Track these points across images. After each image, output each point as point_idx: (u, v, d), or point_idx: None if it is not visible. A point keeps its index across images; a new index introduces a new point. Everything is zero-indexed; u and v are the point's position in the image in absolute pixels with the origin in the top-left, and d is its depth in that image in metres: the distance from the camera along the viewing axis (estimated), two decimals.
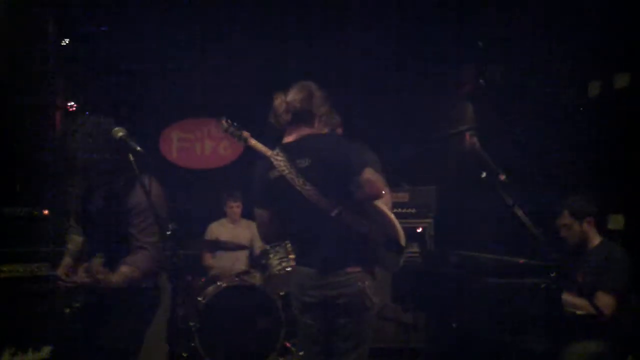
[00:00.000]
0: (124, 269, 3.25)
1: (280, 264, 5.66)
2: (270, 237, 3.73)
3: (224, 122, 3.86)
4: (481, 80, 6.44)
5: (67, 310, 3.46)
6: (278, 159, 3.37)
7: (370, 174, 3.30)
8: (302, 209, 3.30)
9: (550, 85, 5.62)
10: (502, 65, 6.23)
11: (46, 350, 4.28)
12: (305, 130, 3.46)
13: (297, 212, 3.35)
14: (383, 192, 3.36)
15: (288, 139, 3.47)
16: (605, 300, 3.78)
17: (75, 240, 3.61)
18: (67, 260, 3.55)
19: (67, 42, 6.26)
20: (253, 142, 3.83)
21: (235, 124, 3.78)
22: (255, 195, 3.52)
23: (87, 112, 3.59)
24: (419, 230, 5.89)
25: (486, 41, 6.29)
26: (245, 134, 3.82)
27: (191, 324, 5.37)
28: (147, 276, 3.33)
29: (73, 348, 3.46)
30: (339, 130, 4.22)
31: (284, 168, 3.33)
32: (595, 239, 4.10)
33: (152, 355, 3.58)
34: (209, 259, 6.51)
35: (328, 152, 3.36)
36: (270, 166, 3.39)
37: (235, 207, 6.58)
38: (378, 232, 3.36)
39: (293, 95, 3.44)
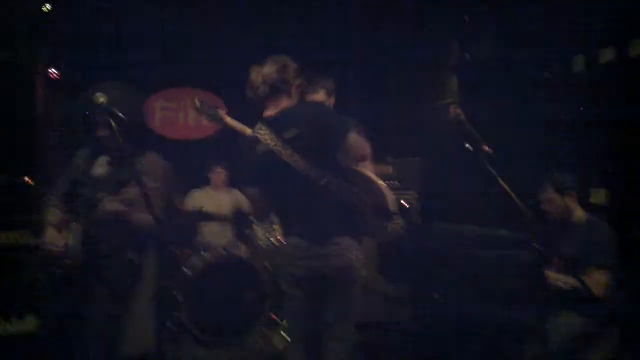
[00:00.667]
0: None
1: (264, 235, 5.66)
2: (262, 212, 3.71)
3: (196, 101, 3.84)
4: (466, 54, 6.44)
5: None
6: (262, 133, 3.34)
7: (354, 138, 3.32)
8: (291, 181, 3.30)
9: (534, 60, 5.63)
10: (487, 39, 6.23)
11: (31, 321, 4.30)
12: (284, 102, 3.44)
13: (286, 185, 3.34)
14: (368, 153, 3.38)
15: (269, 112, 3.44)
16: (596, 277, 3.79)
17: (56, 213, 3.57)
18: (51, 231, 3.51)
19: (48, 7, 6.14)
20: (229, 120, 3.81)
21: (207, 103, 3.75)
22: (244, 173, 3.51)
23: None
24: (403, 202, 5.91)
25: (471, 15, 6.28)
26: (221, 112, 3.79)
27: (176, 295, 5.37)
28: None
29: (57, 318, 3.45)
30: (330, 100, 4.22)
31: (270, 141, 3.30)
32: (579, 214, 4.11)
33: (137, 326, 3.57)
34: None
35: (312, 120, 3.34)
36: (256, 141, 3.37)
37: (219, 172, 6.53)
38: (367, 199, 3.37)
39: (268, 68, 3.41)
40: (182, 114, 7.87)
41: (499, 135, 4.69)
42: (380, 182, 3.51)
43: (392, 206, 3.46)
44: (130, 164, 3.33)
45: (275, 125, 3.35)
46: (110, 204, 3.35)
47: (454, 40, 6.54)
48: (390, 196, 3.48)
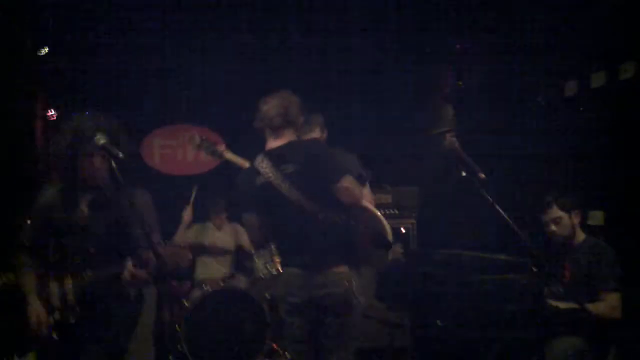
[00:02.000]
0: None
1: (265, 267, 5.68)
2: (259, 241, 3.76)
3: (196, 138, 3.90)
4: (459, 82, 6.52)
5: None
6: (263, 165, 3.41)
7: (348, 182, 3.37)
8: (289, 212, 3.35)
9: (527, 85, 5.70)
10: (481, 67, 6.31)
11: (31, 356, 4.29)
12: (289, 136, 3.51)
13: (283, 216, 3.39)
14: (360, 200, 3.42)
15: (271, 145, 3.51)
16: (612, 301, 3.80)
17: (30, 278, 3.34)
18: (34, 306, 3.27)
19: (45, 51, 6.23)
20: (229, 155, 3.88)
21: (207, 140, 3.81)
22: (242, 201, 3.56)
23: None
24: (403, 230, 5.96)
25: (465, 43, 6.36)
26: (221, 148, 3.86)
27: (177, 328, 5.38)
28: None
29: (57, 355, 3.43)
30: (323, 135, 4.28)
31: (270, 174, 3.37)
32: (580, 235, 4.12)
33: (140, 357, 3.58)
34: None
35: (311, 158, 3.42)
36: (256, 173, 3.43)
37: (218, 220, 6.55)
38: (365, 230, 3.42)
39: (278, 102, 3.49)
40: (180, 151, 7.92)
41: (496, 161, 4.76)
42: (378, 213, 3.56)
43: (390, 236, 3.51)
44: (116, 204, 3.23)
45: (276, 159, 3.41)
46: (129, 271, 3.13)
47: (448, 68, 6.62)
48: (388, 226, 3.53)
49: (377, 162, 3.44)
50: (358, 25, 6.54)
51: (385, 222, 3.53)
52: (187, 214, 6.15)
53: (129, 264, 3.12)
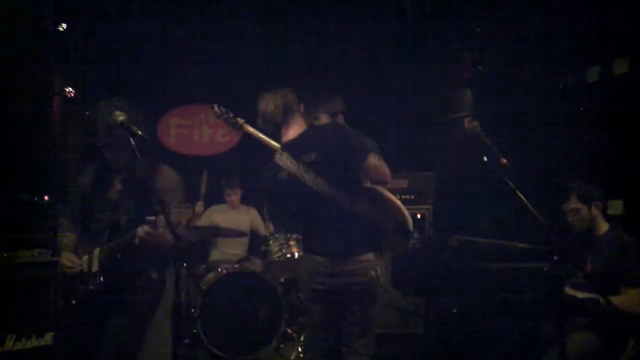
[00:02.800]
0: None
1: (280, 250, 5.67)
2: (283, 224, 3.73)
3: (216, 108, 3.88)
4: (478, 67, 6.45)
5: (73, 301, 3.44)
6: (283, 159, 3.39)
7: (374, 160, 3.34)
8: (314, 202, 3.34)
9: (548, 71, 5.62)
10: (500, 51, 6.23)
11: (48, 336, 4.30)
12: (299, 126, 3.49)
13: (309, 206, 3.39)
14: (389, 176, 3.39)
15: (287, 137, 3.49)
16: (633, 295, 3.73)
17: (69, 237, 3.58)
18: (67, 253, 3.51)
19: (64, 27, 6.22)
20: (250, 129, 3.85)
21: (228, 110, 3.80)
22: (267, 197, 3.56)
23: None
24: (418, 216, 5.92)
25: (484, 27, 6.28)
26: (241, 120, 3.84)
27: (192, 310, 5.39)
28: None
29: (76, 334, 3.46)
30: (341, 117, 4.24)
31: (291, 167, 3.34)
32: (603, 225, 4.04)
33: (155, 341, 3.58)
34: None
35: (331, 142, 3.39)
36: (277, 168, 3.41)
37: (233, 196, 6.57)
38: (387, 219, 3.39)
39: (273, 96, 3.53)
40: (197, 131, 7.91)
41: (515, 147, 4.70)
42: (398, 201, 3.53)
43: (410, 225, 3.48)
44: (144, 182, 3.34)
45: (295, 149, 3.39)
46: (142, 230, 3.28)
47: (466, 53, 6.54)
48: (408, 215, 3.50)
49: (394, 147, 3.40)
50: (375, 10, 6.48)
51: (405, 210, 3.50)
52: (199, 207, 6.14)
53: (143, 226, 3.26)
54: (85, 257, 3.45)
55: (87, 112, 3.82)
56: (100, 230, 3.45)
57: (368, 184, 3.45)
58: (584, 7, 5.14)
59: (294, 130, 3.50)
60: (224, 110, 3.91)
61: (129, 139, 3.15)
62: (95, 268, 3.38)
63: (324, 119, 4.25)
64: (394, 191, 3.65)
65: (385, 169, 3.40)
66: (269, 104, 3.50)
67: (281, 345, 5.65)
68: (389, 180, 3.44)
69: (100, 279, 3.35)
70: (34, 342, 4.23)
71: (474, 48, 6.47)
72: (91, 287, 3.36)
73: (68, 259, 3.45)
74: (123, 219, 3.40)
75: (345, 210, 3.30)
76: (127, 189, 3.49)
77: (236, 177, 6.59)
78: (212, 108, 3.91)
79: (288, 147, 3.45)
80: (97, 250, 3.41)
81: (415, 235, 3.57)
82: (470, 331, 4.45)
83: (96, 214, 3.49)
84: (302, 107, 3.61)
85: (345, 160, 3.34)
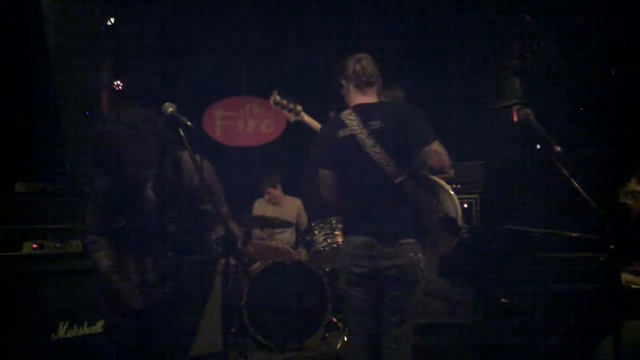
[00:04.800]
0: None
1: (325, 240, 5.66)
2: (332, 198, 3.60)
3: (275, 94, 3.85)
4: (528, 55, 6.33)
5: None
6: (351, 118, 3.36)
7: (438, 147, 3.29)
8: (366, 173, 3.30)
9: (601, 60, 5.50)
10: (550, 39, 6.11)
11: (100, 324, 4.38)
12: (374, 97, 3.48)
13: (359, 176, 3.33)
14: (448, 165, 3.35)
15: (362, 99, 3.47)
16: None
17: (108, 256, 3.27)
18: (116, 278, 3.24)
19: (112, 21, 6.30)
20: (306, 117, 3.84)
21: (287, 97, 3.79)
22: (320, 154, 3.49)
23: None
24: (465, 205, 5.86)
25: (534, 14, 6.17)
26: (299, 107, 3.83)
27: (240, 300, 5.43)
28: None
29: (127, 323, 3.48)
30: None
31: (356, 127, 3.32)
32: None
33: (206, 330, 3.61)
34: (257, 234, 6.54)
35: (401, 117, 3.34)
36: (342, 125, 3.38)
37: (274, 193, 6.58)
38: (437, 207, 3.35)
39: (371, 61, 3.49)
40: (241, 122, 7.96)
41: (565, 134, 4.61)
42: (452, 192, 3.47)
43: (460, 220, 3.43)
44: (176, 180, 3.23)
45: (365, 113, 3.36)
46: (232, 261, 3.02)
47: (515, 40, 6.43)
48: (460, 209, 3.44)
49: (441, 136, 3.33)
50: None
51: (458, 204, 3.44)
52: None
53: (231, 259, 2.97)
54: (134, 267, 3.25)
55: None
56: (143, 239, 3.25)
57: (424, 171, 3.40)
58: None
59: (368, 97, 3.47)
60: (282, 96, 3.90)
61: (179, 131, 3.13)
62: (154, 281, 3.26)
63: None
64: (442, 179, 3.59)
65: (447, 158, 3.33)
66: (370, 64, 3.47)
67: (327, 335, 5.69)
68: (448, 169, 3.38)
69: (165, 291, 3.23)
70: (85, 330, 4.35)
71: (524, 37, 6.36)
72: (153, 298, 3.21)
73: (112, 272, 3.23)
74: (171, 226, 3.24)
75: (394, 188, 3.25)
76: (165, 190, 3.25)
77: (275, 173, 6.59)
78: (272, 93, 3.89)
79: (359, 109, 3.41)
80: (149, 262, 3.25)
81: (464, 225, 3.49)
82: (519, 322, 4.39)
83: (133, 220, 3.25)
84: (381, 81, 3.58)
85: (411, 137, 3.28)
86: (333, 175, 3.41)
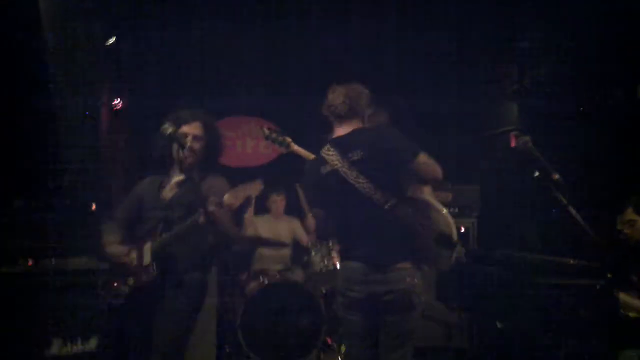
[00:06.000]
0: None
1: (322, 261, 5.67)
2: (324, 235, 3.71)
3: (265, 129, 3.96)
4: (526, 81, 6.37)
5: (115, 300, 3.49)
6: (329, 153, 3.38)
7: (425, 158, 3.29)
8: (354, 203, 3.31)
9: (597, 86, 5.54)
10: (547, 66, 6.16)
11: (93, 340, 4.38)
12: (354, 125, 3.47)
13: (349, 206, 3.35)
14: (441, 173, 3.35)
15: (338, 132, 3.48)
16: None
17: (115, 234, 3.67)
18: (115, 245, 3.62)
19: (113, 40, 6.34)
20: (295, 147, 3.92)
21: (276, 130, 3.86)
22: (308, 195, 3.56)
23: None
24: (462, 229, 5.87)
25: (531, 41, 6.22)
26: (288, 139, 3.91)
27: (234, 318, 5.42)
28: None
29: (120, 340, 3.50)
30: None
31: (336, 162, 3.33)
32: None
33: (199, 347, 3.60)
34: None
35: (379, 142, 3.34)
36: (322, 162, 3.40)
37: (279, 201, 6.57)
38: (430, 227, 3.35)
39: (345, 91, 3.46)
40: (239, 143, 7.97)
41: (561, 161, 4.63)
42: (445, 210, 3.48)
43: (455, 236, 3.43)
44: (197, 187, 3.39)
45: (342, 146, 3.38)
46: (212, 203, 3.28)
47: (513, 65, 6.48)
48: (454, 225, 3.45)
49: (439, 160, 3.34)
50: (422, 18, 6.47)
51: (451, 220, 3.45)
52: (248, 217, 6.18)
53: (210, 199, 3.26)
54: (134, 252, 3.49)
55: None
56: (152, 228, 3.49)
57: (412, 193, 3.41)
58: (634, 24, 5.05)
59: (346, 128, 3.47)
60: (272, 129, 3.99)
61: (179, 150, 3.24)
62: (147, 260, 3.40)
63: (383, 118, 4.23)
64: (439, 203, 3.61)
65: (437, 166, 3.33)
66: (338, 96, 3.46)
67: (321, 355, 5.65)
68: (441, 177, 3.37)
69: (153, 269, 3.37)
70: (79, 346, 4.35)
71: (521, 62, 6.41)
72: (144, 279, 3.38)
73: (117, 249, 3.55)
74: (177, 214, 3.42)
75: (384, 214, 3.25)
76: (182, 189, 3.54)
77: (281, 190, 6.61)
78: (262, 128, 3.98)
79: (336, 142, 3.43)
80: (147, 245, 3.43)
81: (462, 249, 3.49)
82: (515, 347, 4.38)
83: (146, 212, 3.57)
84: (370, 111, 3.58)
85: (393, 161, 3.29)
86: (325, 212, 3.47)
